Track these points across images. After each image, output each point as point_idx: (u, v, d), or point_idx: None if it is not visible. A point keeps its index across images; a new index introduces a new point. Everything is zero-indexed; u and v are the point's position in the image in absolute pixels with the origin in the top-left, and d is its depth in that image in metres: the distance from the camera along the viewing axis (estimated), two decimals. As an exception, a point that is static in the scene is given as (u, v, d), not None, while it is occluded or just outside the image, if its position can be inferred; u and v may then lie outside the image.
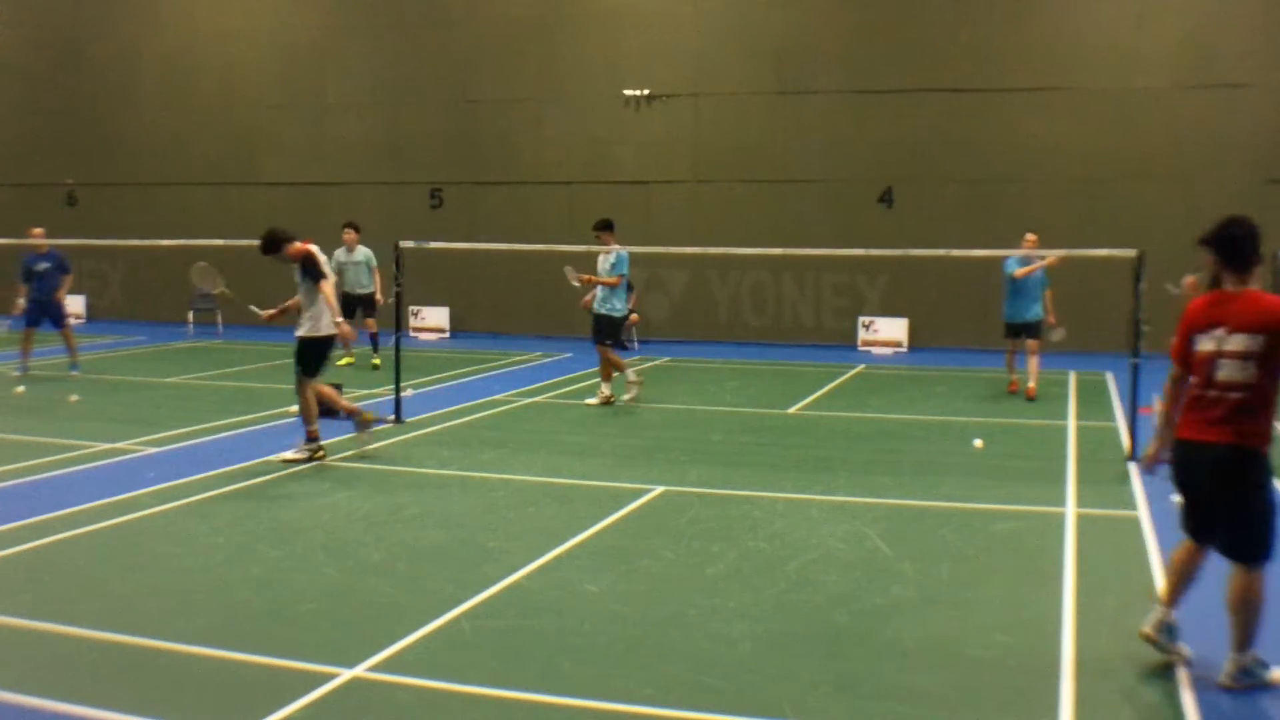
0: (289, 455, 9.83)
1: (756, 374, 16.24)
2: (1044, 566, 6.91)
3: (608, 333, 13.10)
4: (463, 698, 4.99)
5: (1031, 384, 13.25)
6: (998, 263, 13.26)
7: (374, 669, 5.26)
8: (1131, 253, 10.18)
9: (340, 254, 15.97)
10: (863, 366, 17.00)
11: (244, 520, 7.96)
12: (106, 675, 5.26)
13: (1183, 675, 5.21)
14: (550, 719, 4.83)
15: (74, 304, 19.67)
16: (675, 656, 5.45)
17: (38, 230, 15.15)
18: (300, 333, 9.93)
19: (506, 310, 20.94)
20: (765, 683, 5.16)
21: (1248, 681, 5.10)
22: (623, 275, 12.98)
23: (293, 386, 10.14)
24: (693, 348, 19.06)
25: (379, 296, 16.12)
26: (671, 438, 11.20)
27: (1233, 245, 5.20)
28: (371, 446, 10.26)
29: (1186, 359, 5.28)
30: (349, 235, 16.06)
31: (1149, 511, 8.24)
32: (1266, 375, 5.05)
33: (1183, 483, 5.31)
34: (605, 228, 13.04)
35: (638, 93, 20.11)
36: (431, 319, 20.84)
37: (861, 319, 19.26)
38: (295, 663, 5.34)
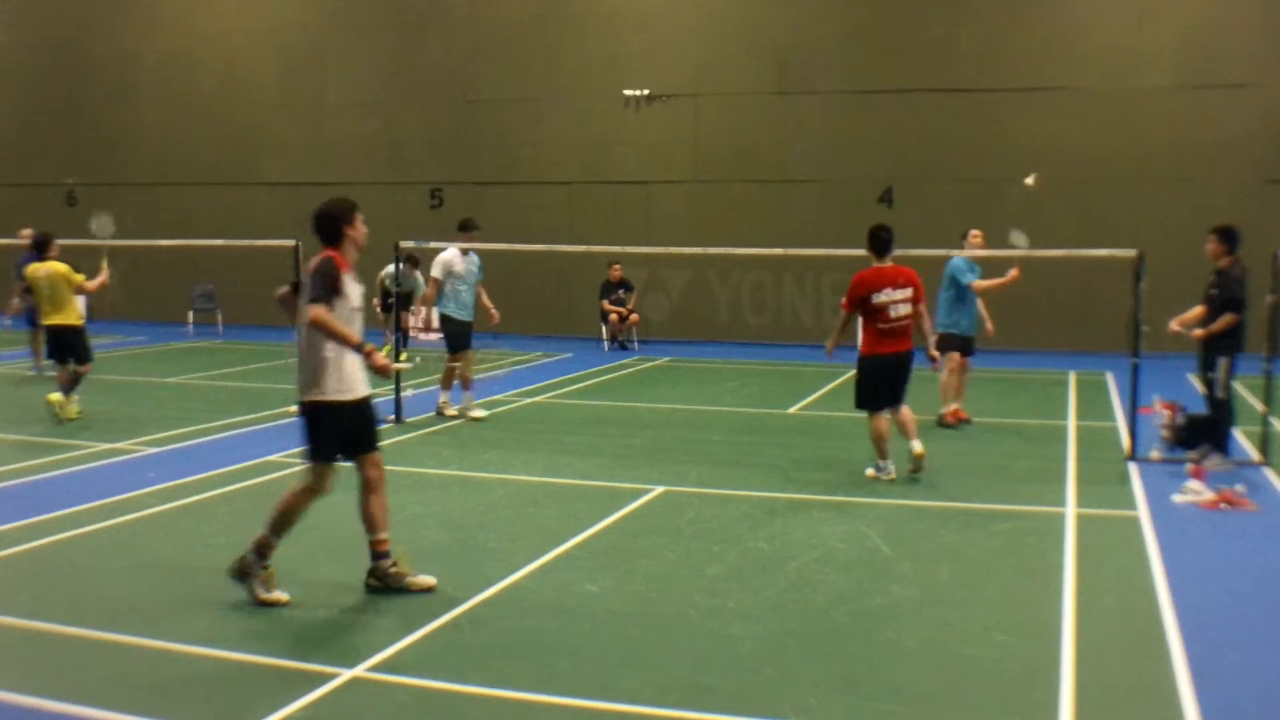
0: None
1: (756, 374, 16.24)
2: (1044, 566, 6.91)
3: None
4: (463, 698, 4.99)
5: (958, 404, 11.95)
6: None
7: (374, 669, 5.26)
8: (1131, 253, 10.19)
9: None
10: (863, 366, 16.97)
11: (244, 520, 7.94)
12: (106, 675, 5.26)
13: (1183, 675, 5.21)
14: (550, 719, 4.83)
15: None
16: (675, 656, 5.45)
17: (26, 231, 15.13)
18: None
19: (506, 310, 20.69)
20: (765, 683, 5.16)
21: (874, 472, 9.24)
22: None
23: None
24: (693, 348, 19.05)
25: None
26: (671, 438, 11.20)
27: (879, 242, 9.43)
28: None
29: (864, 307, 9.07)
30: None
31: (1149, 511, 8.24)
32: (914, 310, 9.13)
33: (885, 377, 9.07)
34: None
35: (638, 93, 20.11)
36: (431, 319, 20.82)
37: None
38: (295, 663, 5.34)
